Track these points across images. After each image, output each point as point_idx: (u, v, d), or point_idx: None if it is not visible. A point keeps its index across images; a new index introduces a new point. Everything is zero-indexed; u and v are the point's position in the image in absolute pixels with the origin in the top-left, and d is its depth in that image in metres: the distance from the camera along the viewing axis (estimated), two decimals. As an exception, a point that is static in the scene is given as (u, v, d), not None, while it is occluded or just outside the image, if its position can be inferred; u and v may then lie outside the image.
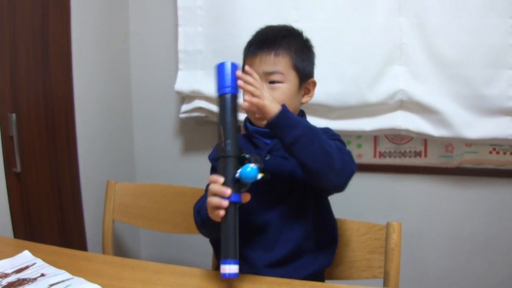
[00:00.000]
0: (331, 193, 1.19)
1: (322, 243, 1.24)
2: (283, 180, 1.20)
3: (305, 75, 1.19)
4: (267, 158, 1.22)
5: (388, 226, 1.29)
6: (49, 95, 1.65)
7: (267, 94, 1.04)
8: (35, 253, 1.19)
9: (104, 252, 1.73)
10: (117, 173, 2.02)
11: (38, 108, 1.61)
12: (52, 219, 1.68)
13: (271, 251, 1.20)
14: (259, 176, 0.99)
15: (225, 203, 0.97)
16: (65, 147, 1.74)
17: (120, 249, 2.07)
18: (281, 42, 1.19)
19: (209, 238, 1.25)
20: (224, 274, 0.98)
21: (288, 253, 1.19)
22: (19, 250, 1.20)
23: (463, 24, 1.61)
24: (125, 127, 2.13)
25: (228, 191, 0.97)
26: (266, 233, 1.20)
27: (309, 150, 1.03)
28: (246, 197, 1.01)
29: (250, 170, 0.97)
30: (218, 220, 0.99)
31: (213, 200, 0.98)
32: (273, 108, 1.02)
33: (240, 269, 1.16)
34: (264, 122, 1.07)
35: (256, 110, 1.05)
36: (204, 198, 1.12)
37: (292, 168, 1.20)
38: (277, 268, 1.19)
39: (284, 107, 1.04)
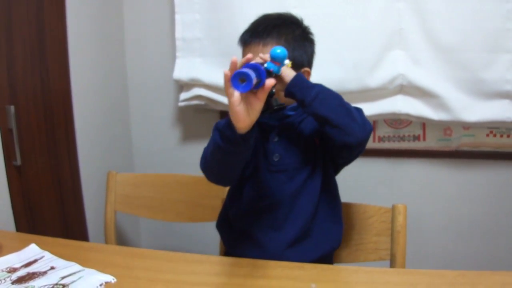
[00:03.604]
0: (353, 153, 1.19)
1: (329, 221, 1.26)
2: (292, 160, 1.22)
3: (296, 65, 1.17)
4: (276, 139, 1.24)
5: (393, 208, 1.31)
6: (46, 86, 1.62)
7: None
8: (41, 246, 1.19)
9: (106, 243, 1.73)
10: (116, 163, 2.01)
11: (36, 100, 1.59)
12: (54, 211, 1.67)
13: (280, 230, 1.22)
14: (287, 61, 1.03)
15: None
16: (64, 138, 1.72)
17: (120, 240, 2.06)
18: (271, 31, 1.20)
19: (218, 167, 1.18)
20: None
21: (298, 232, 1.22)
22: (25, 244, 1.19)
23: (461, 9, 1.63)
24: (122, 117, 2.12)
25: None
26: (276, 212, 1.23)
27: (330, 104, 1.08)
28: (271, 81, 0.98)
29: (280, 50, 1.01)
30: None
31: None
32: (290, 73, 1.09)
33: (252, 253, 1.18)
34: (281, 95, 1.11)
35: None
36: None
37: (301, 148, 1.23)
38: (289, 249, 1.21)
39: (299, 73, 1.10)
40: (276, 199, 1.23)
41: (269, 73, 1.00)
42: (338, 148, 1.15)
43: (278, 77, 1.06)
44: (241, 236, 1.29)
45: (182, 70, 1.90)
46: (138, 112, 2.15)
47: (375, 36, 1.70)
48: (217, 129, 1.07)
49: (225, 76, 0.95)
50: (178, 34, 1.89)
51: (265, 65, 1.00)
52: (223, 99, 1.87)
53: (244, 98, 0.97)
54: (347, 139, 1.08)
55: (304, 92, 1.08)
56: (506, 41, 1.62)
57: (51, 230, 1.64)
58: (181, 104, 1.95)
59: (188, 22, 1.88)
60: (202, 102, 1.94)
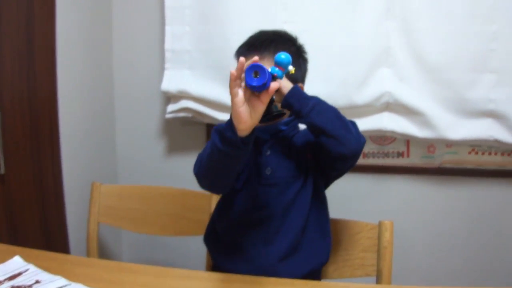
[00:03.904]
0: (346, 165, 1.21)
1: (318, 235, 1.28)
2: (283, 174, 1.24)
3: (291, 80, 1.19)
4: (268, 153, 1.25)
5: (380, 225, 1.32)
6: (33, 93, 1.60)
7: None
8: (26, 258, 1.16)
9: (88, 255, 1.70)
10: (99, 174, 1.98)
11: (23, 107, 1.56)
12: (35, 221, 1.63)
13: (271, 244, 1.23)
14: (290, 67, 1.04)
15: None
16: (49, 147, 1.69)
17: (101, 251, 2.02)
18: (268, 46, 1.22)
19: (213, 172, 1.17)
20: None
21: (288, 246, 1.22)
22: (8, 256, 1.16)
23: (448, 29, 1.66)
24: (108, 126, 2.09)
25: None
26: (267, 226, 1.23)
27: (327, 115, 1.11)
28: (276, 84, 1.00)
29: (285, 56, 1.03)
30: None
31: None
32: (287, 85, 1.12)
33: (241, 268, 1.18)
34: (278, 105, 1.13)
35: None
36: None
37: (293, 162, 1.25)
38: (279, 263, 1.22)
39: (296, 85, 1.14)
40: (267, 212, 1.23)
41: (273, 78, 1.01)
42: (332, 159, 1.17)
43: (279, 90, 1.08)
44: (230, 249, 1.28)
45: (171, 81, 1.89)
46: (124, 122, 2.12)
47: (364, 54, 1.73)
48: (217, 131, 1.08)
49: (231, 75, 0.97)
50: (167, 45, 1.89)
51: (269, 69, 1.01)
52: (211, 112, 1.87)
53: (247, 100, 0.99)
54: (343, 149, 1.11)
55: (301, 103, 1.11)
56: (490, 61, 1.66)
57: (33, 241, 1.61)
58: (168, 116, 1.94)
59: (178, 34, 1.87)
60: (190, 115, 1.93)
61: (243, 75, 0.98)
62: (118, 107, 2.12)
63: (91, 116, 1.96)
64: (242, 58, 0.97)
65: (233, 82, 0.98)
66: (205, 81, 1.85)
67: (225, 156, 1.06)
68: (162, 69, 1.92)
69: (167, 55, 1.89)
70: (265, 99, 0.98)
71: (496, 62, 1.66)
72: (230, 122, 1.02)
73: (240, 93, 0.98)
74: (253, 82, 0.95)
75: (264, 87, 0.96)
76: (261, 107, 0.99)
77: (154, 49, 2.01)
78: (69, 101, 1.78)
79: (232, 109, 1.00)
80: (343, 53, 1.74)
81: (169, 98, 1.95)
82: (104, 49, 2.04)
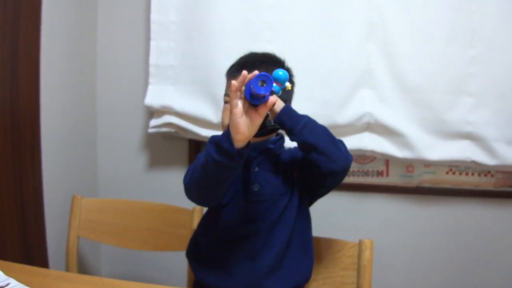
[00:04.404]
0: (336, 181, 1.25)
1: (302, 252, 1.30)
2: (271, 191, 1.27)
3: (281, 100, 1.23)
4: (256, 170, 1.28)
5: (360, 243, 1.34)
6: (15, 105, 1.59)
7: None
8: (6, 272, 1.14)
9: (67, 269, 1.68)
10: (79, 186, 1.97)
11: (4, 118, 1.55)
12: (14, 234, 1.61)
13: (255, 260, 1.25)
14: (287, 84, 1.07)
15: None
16: (30, 160, 1.67)
17: (80, 265, 1.99)
18: (259, 66, 1.24)
19: (205, 184, 1.18)
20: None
21: (272, 262, 1.25)
22: None
23: (428, 52, 1.71)
24: (89, 140, 2.09)
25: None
26: (252, 242, 1.26)
27: (317, 133, 1.16)
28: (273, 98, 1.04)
29: (282, 73, 1.06)
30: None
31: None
32: (279, 103, 1.15)
33: (224, 283, 1.19)
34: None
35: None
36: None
37: (280, 180, 1.28)
38: (263, 279, 1.24)
39: (287, 104, 1.19)
40: (253, 228, 1.26)
41: (271, 92, 1.04)
42: (322, 176, 1.21)
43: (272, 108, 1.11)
44: (213, 264, 1.29)
45: (154, 96, 1.89)
46: (106, 135, 2.12)
47: (346, 75, 1.76)
48: (213, 142, 1.09)
49: (232, 86, 1.02)
50: (152, 60, 1.89)
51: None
52: (194, 128, 1.88)
53: (246, 112, 1.03)
54: (333, 165, 1.16)
55: (293, 121, 1.15)
56: (469, 84, 1.71)
57: (11, 254, 1.59)
58: (151, 130, 1.93)
59: (163, 49, 1.88)
60: (172, 130, 1.93)
61: (243, 88, 1.02)
62: (100, 120, 2.11)
63: (73, 128, 1.95)
64: (244, 71, 1.01)
65: (233, 93, 1.02)
66: (188, 97, 1.86)
67: (219, 167, 1.08)
68: (146, 84, 1.93)
69: (152, 70, 1.90)
70: (263, 112, 1.03)
71: (474, 85, 1.70)
72: (227, 133, 1.06)
73: (240, 104, 1.02)
74: (261, 91, 0.99)
75: (263, 100, 1.01)
76: (258, 120, 1.03)
77: (138, 64, 2.01)
78: (51, 114, 1.77)
79: (230, 119, 1.04)
80: (326, 74, 1.77)
81: (152, 112, 1.95)
82: (88, 61, 2.04)
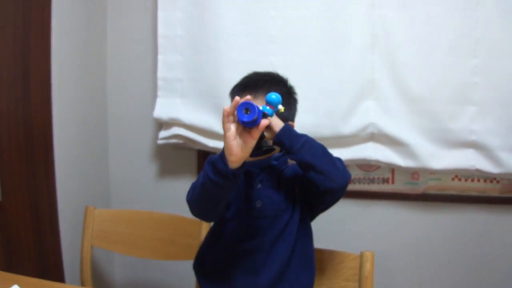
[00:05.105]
0: (334, 198, 1.28)
1: (303, 266, 1.34)
2: (273, 207, 1.31)
3: (282, 119, 1.25)
4: (259, 186, 1.31)
5: (361, 256, 1.38)
6: (28, 121, 1.64)
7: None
8: (23, 287, 1.17)
9: (82, 278, 1.74)
10: (92, 199, 2.01)
11: (18, 135, 1.61)
12: (30, 246, 1.67)
13: (258, 275, 1.29)
14: (280, 106, 1.11)
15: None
16: (44, 172, 1.73)
17: (94, 274, 2.06)
18: (262, 86, 1.30)
19: (204, 201, 1.23)
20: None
21: (274, 277, 1.29)
22: (6, 284, 1.18)
23: (432, 62, 1.72)
24: (101, 152, 2.14)
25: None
26: (255, 257, 1.30)
27: (315, 152, 1.19)
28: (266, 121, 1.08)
29: (275, 96, 1.10)
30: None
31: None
32: (279, 123, 1.20)
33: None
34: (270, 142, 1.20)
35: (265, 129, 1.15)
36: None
37: (282, 196, 1.32)
38: None
39: (286, 123, 1.21)
40: (256, 243, 1.30)
41: (264, 115, 1.09)
42: (320, 194, 1.24)
43: (268, 126, 1.14)
44: (218, 278, 1.35)
45: (162, 109, 1.93)
46: (117, 147, 2.17)
47: (349, 86, 1.78)
48: (209, 162, 1.15)
49: (224, 111, 1.06)
50: (160, 74, 1.93)
51: (261, 107, 1.09)
52: (201, 139, 1.92)
53: (239, 134, 1.07)
54: (330, 184, 1.18)
55: (292, 140, 1.18)
56: (472, 94, 1.72)
57: (28, 266, 1.65)
58: (160, 142, 1.98)
59: (170, 63, 1.92)
60: (181, 141, 1.97)
61: (236, 112, 1.06)
62: (111, 133, 2.16)
63: (85, 141, 2.00)
64: (237, 97, 1.05)
65: (225, 118, 1.06)
66: (196, 109, 1.90)
67: (216, 186, 1.13)
68: (154, 97, 1.97)
69: (160, 83, 1.94)
70: (255, 134, 1.07)
71: (478, 94, 1.71)
72: (222, 155, 1.10)
73: (232, 128, 1.06)
74: (244, 118, 1.04)
75: (255, 123, 1.05)
76: (251, 142, 1.07)
77: (147, 77, 2.05)
78: (63, 127, 1.82)
79: (224, 142, 1.08)
80: (330, 85, 1.79)
81: (161, 124, 2.00)
82: (99, 76, 2.09)
